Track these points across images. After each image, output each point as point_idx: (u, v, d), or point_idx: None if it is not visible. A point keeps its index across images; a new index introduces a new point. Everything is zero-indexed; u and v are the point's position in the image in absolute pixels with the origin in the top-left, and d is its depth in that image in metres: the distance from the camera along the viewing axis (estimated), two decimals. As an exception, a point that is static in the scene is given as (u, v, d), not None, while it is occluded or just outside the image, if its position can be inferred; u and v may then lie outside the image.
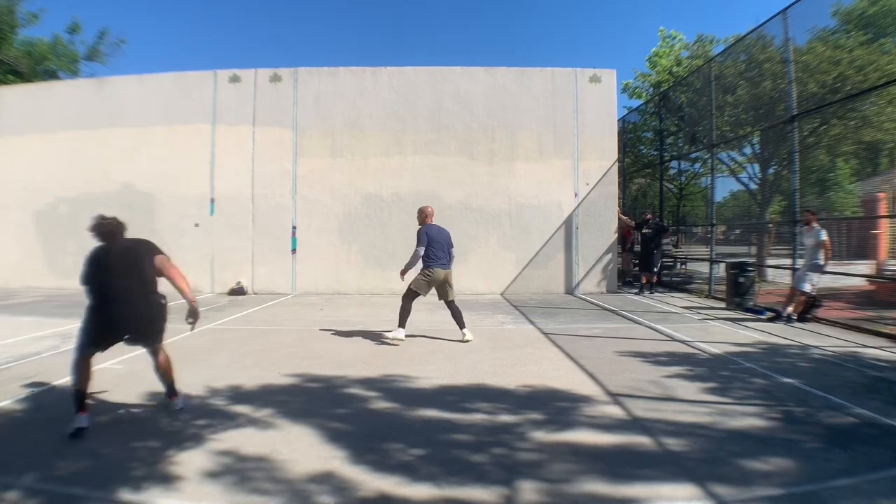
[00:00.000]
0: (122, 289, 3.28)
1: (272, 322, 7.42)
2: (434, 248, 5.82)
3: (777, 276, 10.82)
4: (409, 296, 5.88)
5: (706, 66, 11.53)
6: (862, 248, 12.57)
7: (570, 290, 10.89)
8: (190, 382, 3.97)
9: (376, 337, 6.17)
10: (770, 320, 7.27)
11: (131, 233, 3.52)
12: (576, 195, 10.96)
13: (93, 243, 3.45)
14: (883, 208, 12.76)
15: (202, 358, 5.06)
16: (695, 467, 2.70)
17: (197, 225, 10.92)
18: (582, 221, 10.94)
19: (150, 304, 3.41)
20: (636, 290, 10.85)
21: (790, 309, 7.17)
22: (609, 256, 10.98)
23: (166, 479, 2.56)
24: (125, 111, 11.26)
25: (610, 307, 8.83)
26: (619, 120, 13.58)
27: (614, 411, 3.59)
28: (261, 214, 10.98)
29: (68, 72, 18.87)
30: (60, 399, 3.80)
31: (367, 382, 4.28)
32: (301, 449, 2.94)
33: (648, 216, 11.45)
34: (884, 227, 11.82)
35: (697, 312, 8.25)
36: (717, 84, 11.05)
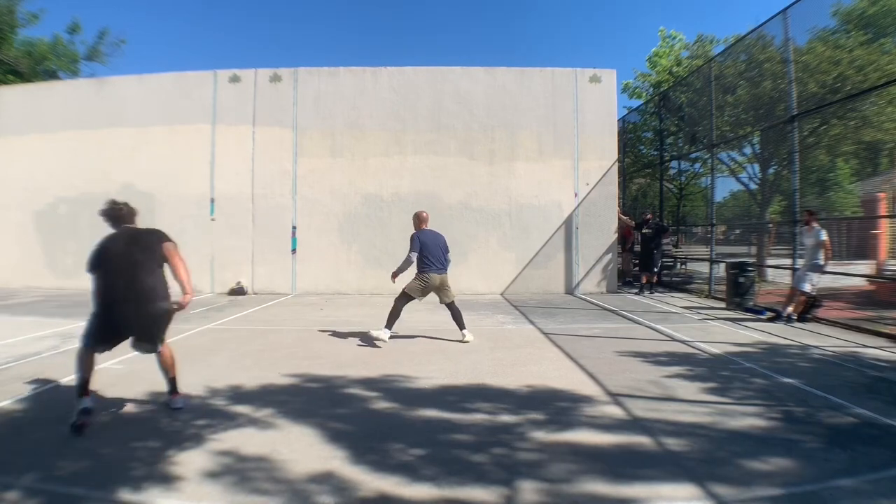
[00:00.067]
0: (128, 276, 3.31)
1: (272, 322, 7.42)
2: (428, 253, 5.77)
3: (777, 276, 10.82)
4: (403, 298, 5.83)
5: (706, 66, 11.53)
6: (862, 248, 12.57)
7: (570, 290, 10.89)
8: (190, 382, 3.97)
9: (376, 337, 6.16)
10: (770, 320, 7.27)
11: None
12: (576, 195, 10.96)
13: (93, 243, 3.47)
14: (883, 208, 12.76)
15: (202, 358, 5.06)
16: (695, 467, 2.70)
17: (213, 219, 10.92)
18: (582, 221, 10.94)
19: (157, 306, 3.40)
20: (636, 290, 10.85)
21: (790, 309, 7.17)
22: (609, 256, 10.98)
23: (166, 479, 2.56)
24: (125, 111, 11.26)
25: (610, 307, 8.83)
26: (619, 120, 13.59)
27: (614, 411, 3.59)
28: (261, 214, 10.98)
29: (68, 72, 18.87)
30: (60, 399, 3.80)
31: (368, 382, 4.28)
32: (301, 449, 2.94)
33: (648, 216, 11.45)
34: (884, 227, 11.82)
35: (697, 312, 8.26)
36: (717, 84, 11.05)
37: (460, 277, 10.81)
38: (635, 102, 19.15)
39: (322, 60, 37.97)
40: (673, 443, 3.02)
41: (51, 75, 18.02)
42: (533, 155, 11.00)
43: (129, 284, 3.31)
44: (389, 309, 5.81)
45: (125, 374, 4.44)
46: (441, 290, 5.91)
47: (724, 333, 6.49)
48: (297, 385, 4.24)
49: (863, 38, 11.39)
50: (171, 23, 63.16)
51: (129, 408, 3.61)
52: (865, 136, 12.27)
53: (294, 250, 10.94)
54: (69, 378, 4.31)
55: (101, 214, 3.51)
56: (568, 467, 2.70)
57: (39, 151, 11.43)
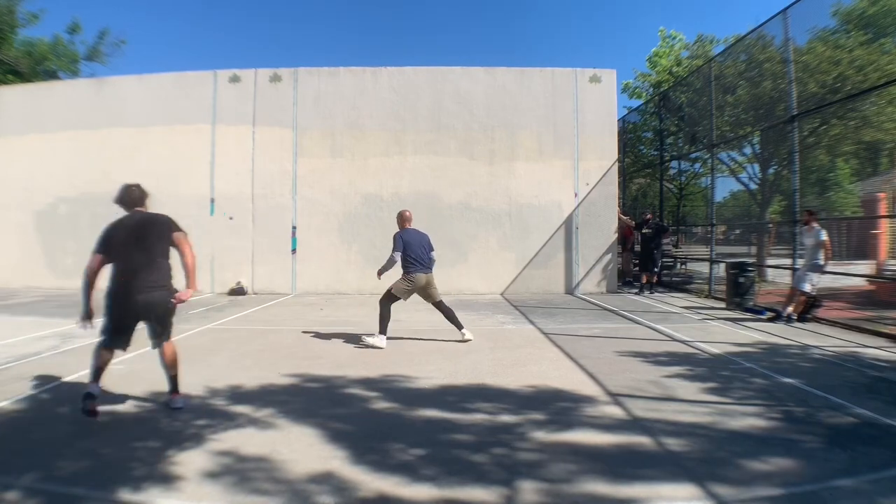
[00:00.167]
0: (135, 262, 3.36)
1: (272, 322, 7.42)
2: (411, 252, 5.71)
3: (777, 276, 10.82)
4: (388, 300, 5.76)
5: (706, 66, 11.53)
6: (862, 248, 12.56)
7: (570, 290, 10.89)
8: (190, 382, 3.97)
9: (372, 344, 6.14)
10: (770, 320, 7.27)
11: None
12: (576, 195, 10.96)
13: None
14: (883, 208, 12.76)
15: (202, 358, 5.06)
16: (695, 467, 2.70)
17: (231, 218, 10.92)
18: (582, 221, 10.94)
19: (160, 294, 3.43)
20: (636, 290, 10.85)
21: (790, 309, 7.17)
22: (609, 256, 10.98)
23: (166, 479, 2.56)
24: (125, 111, 11.26)
25: (610, 307, 8.83)
26: (619, 120, 13.59)
27: (614, 411, 3.59)
28: (261, 214, 10.98)
29: (68, 72, 18.87)
30: (60, 399, 3.80)
31: (367, 382, 4.28)
32: (301, 449, 2.94)
33: (648, 216, 11.45)
34: (884, 227, 11.82)
35: (697, 312, 8.26)
36: (717, 84, 11.05)
37: (460, 277, 10.84)
38: (635, 102, 19.17)
39: (322, 60, 37.97)
40: (673, 443, 3.02)
41: (51, 75, 18.01)
42: (533, 155, 11.00)
43: (136, 270, 3.36)
44: (378, 313, 5.74)
45: (125, 374, 4.43)
46: (427, 290, 5.85)
47: (724, 333, 6.49)
48: (297, 385, 4.24)
49: (863, 38, 11.39)
50: (171, 23, 63.21)
51: (129, 408, 3.61)
52: (865, 136, 12.27)
53: (294, 250, 10.94)
54: (69, 378, 4.32)
55: (115, 201, 3.59)
56: (568, 467, 2.70)
57: (39, 151, 11.43)
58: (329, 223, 10.95)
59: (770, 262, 12.30)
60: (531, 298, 10.00)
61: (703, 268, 11.25)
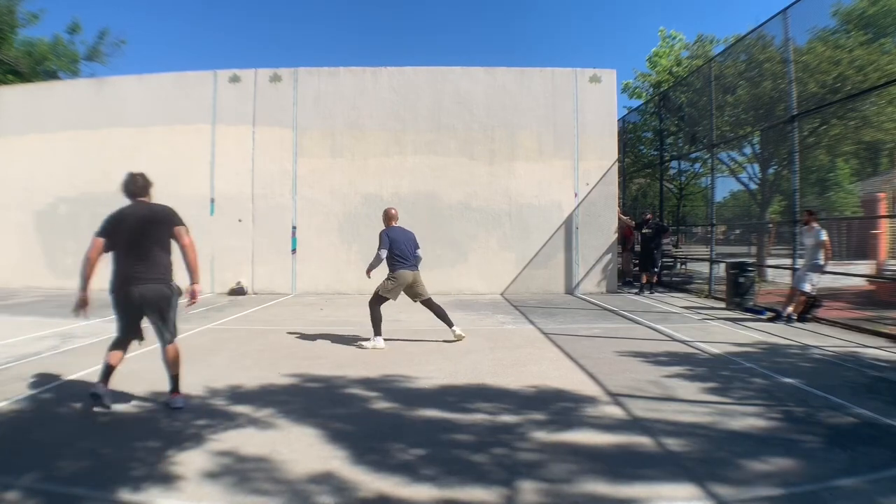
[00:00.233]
0: (135, 253, 3.40)
1: (272, 322, 7.42)
2: (397, 249, 5.70)
3: (777, 276, 10.82)
4: (377, 301, 5.74)
5: (706, 66, 11.53)
6: (862, 248, 12.56)
7: (570, 290, 10.89)
8: (190, 382, 3.96)
9: (372, 346, 6.14)
10: (770, 320, 7.27)
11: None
12: (576, 195, 10.96)
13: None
14: (883, 208, 12.76)
15: (202, 358, 5.06)
16: (695, 467, 2.70)
17: (240, 220, 10.91)
18: (582, 221, 10.94)
19: (159, 287, 3.47)
20: (636, 290, 10.85)
21: (790, 309, 7.17)
22: (609, 256, 10.98)
23: (166, 479, 2.56)
24: (125, 111, 11.26)
25: (610, 307, 8.83)
26: (619, 120, 13.59)
27: (614, 411, 3.59)
28: (261, 214, 10.98)
29: (68, 72, 18.86)
30: (60, 399, 3.80)
31: (367, 382, 4.28)
32: (301, 449, 2.94)
33: (648, 216, 11.46)
34: (884, 227, 11.82)
35: (697, 312, 8.26)
36: (717, 84, 11.05)
37: (460, 277, 10.84)
38: (635, 102, 19.17)
39: (322, 60, 37.94)
40: (673, 443, 3.02)
41: (51, 75, 18.01)
42: (533, 155, 11.00)
43: (134, 262, 3.40)
44: (370, 316, 5.72)
45: (125, 374, 4.42)
46: (413, 287, 5.84)
47: (724, 333, 6.49)
48: (297, 385, 4.24)
49: (863, 38, 11.39)
50: (171, 23, 63.17)
51: (129, 408, 3.61)
52: (865, 136, 12.27)
53: (294, 250, 10.94)
54: (69, 378, 4.32)
55: (121, 190, 3.62)
56: (568, 467, 2.70)
57: (39, 151, 11.43)
58: (329, 223, 10.94)
59: (770, 262, 12.29)
60: (531, 298, 10.00)
61: (703, 268, 11.25)
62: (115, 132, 11.17)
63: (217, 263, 10.78)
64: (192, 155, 11.00)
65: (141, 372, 4.32)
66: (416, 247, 5.94)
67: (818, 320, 7.17)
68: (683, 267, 13.30)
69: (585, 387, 4.16)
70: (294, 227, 10.96)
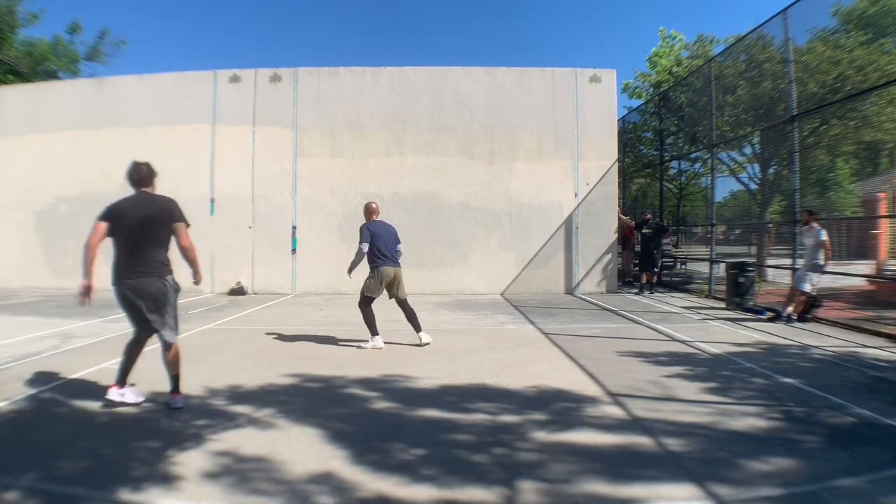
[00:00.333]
0: (135, 246, 3.43)
1: (272, 322, 7.42)
2: (379, 243, 5.59)
3: (777, 276, 10.82)
4: (365, 302, 5.69)
5: (706, 66, 11.53)
6: (862, 248, 12.56)
7: (570, 290, 10.89)
8: (190, 382, 3.96)
9: (373, 346, 6.14)
10: (770, 320, 7.27)
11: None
12: (576, 195, 10.96)
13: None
14: (883, 208, 12.75)
15: (202, 358, 5.06)
16: (695, 467, 2.70)
17: (250, 227, 10.91)
18: (582, 221, 10.93)
19: (155, 278, 3.48)
20: (636, 290, 10.85)
21: (790, 309, 7.17)
22: (609, 256, 10.98)
23: (166, 479, 2.56)
24: (125, 111, 11.26)
25: (610, 307, 8.83)
26: (619, 120, 13.59)
27: (614, 411, 3.59)
28: (261, 214, 10.98)
29: (68, 72, 18.86)
30: (60, 399, 3.80)
31: (367, 382, 4.28)
32: (301, 449, 2.94)
33: (648, 216, 11.46)
34: (884, 227, 11.82)
35: (697, 312, 8.26)
36: (717, 84, 11.05)
37: (460, 277, 10.85)
38: (635, 102, 19.17)
39: (322, 60, 37.92)
40: (673, 443, 3.02)
41: (51, 75, 18.01)
42: (533, 155, 11.00)
43: (133, 255, 3.43)
44: (362, 318, 5.70)
45: (125, 374, 4.43)
46: (394, 284, 5.73)
47: (724, 333, 6.49)
48: (297, 385, 4.24)
49: (863, 38, 11.39)
50: (171, 23, 63.17)
51: (129, 408, 3.60)
52: (865, 136, 12.26)
53: (294, 250, 10.94)
54: (69, 378, 4.32)
55: (126, 178, 3.66)
56: (568, 467, 2.70)
57: (39, 151, 11.42)
58: (329, 223, 10.94)
59: (770, 262, 12.29)
60: (531, 298, 10.00)
61: (703, 268, 11.25)
62: (115, 132, 11.16)
63: (217, 263, 10.77)
64: (192, 155, 10.99)
65: (141, 372, 4.30)
66: (398, 241, 5.84)
67: (818, 320, 7.17)
68: (683, 267, 13.30)
69: (585, 387, 4.16)
70: (294, 227, 10.96)
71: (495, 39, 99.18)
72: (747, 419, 3.40)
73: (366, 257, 5.62)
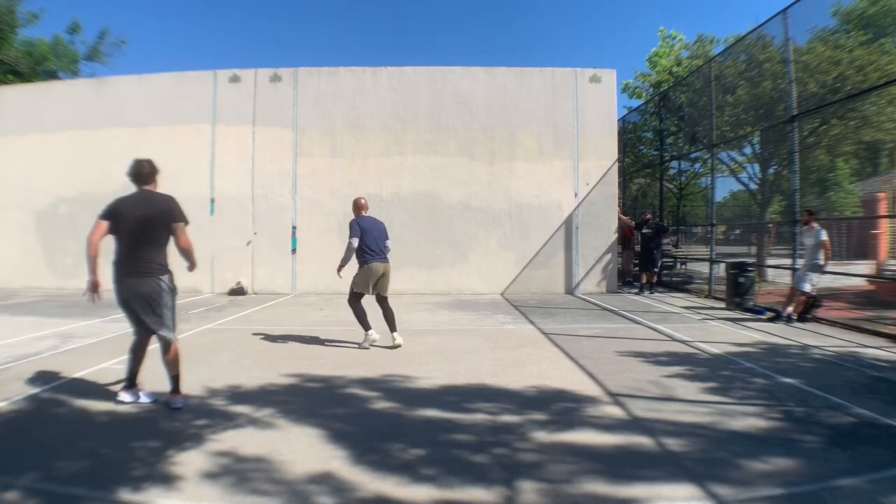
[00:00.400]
0: (134, 244, 3.44)
1: (272, 322, 7.42)
2: (368, 238, 5.56)
3: (777, 276, 10.82)
4: (354, 298, 5.68)
5: (706, 66, 11.53)
6: (862, 248, 12.56)
7: (570, 290, 10.89)
8: (190, 382, 3.96)
9: (372, 341, 6.14)
10: (770, 320, 7.27)
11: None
12: (576, 195, 10.96)
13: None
14: (883, 208, 12.75)
15: (202, 358, 5.06)
16: (695, 467, 2.70)
17: (255, 233, 10.89)
18: (582, 221, 10.93)
19: (150, 278, 3.48)
20: (636, 290, 10.85)
21: (790, 309, 7.17)
22: (609, 256, 10.98)
23: (166, 479, 2.56)
24: (125, 111, 11.25)
25: (610, 307, 8.83)
26: (619, 120, 13.58)
27: (615, 411, 3.59)
28: (261, 214, 10.98)
29: (68, 72, 18.86)
30: (60, 399, 3.80)
31: (367, 382, 4.28)
32: (301, 449, 2.94)
33: (648, 216, 11.46)
34: (884, 227, 11.82)
35: (697, 312, 8.25)
36: (717, 84, 11.05)
37: (460, 277, 10.85)
38: (635, 102, 19.16)
39: (322, 60, 37.91)
40: (673, 443, 3.02)
41: (51, 75, 18.00)
42: (533, 155, 11.00)
43: (131, 254, 3.43)
44: (353, 314, 5.69)
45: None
46: (382, 281, 5.69)
47: (724, 333, 6.49)
48: (296, 385, 4.24)
49: (863, 38, 11.39)
50: (171, 23, 63.17)
51: (129, 408, 3.60)
52: (865, 136, 12.26)
53: (294, 250, 10.94)
54: (69, 378, 4.32)
55: (127, 175, 3.67)
56: (568, 467, 2.70)
57: (39, 151, 11.42)
58: (329, 223, 10.94)
59: (770, 262, 12.29)
60: (531, 298, 10.00)
61: (703, 268, 11.25)
62: (115, 132, 11.16)
63: (217, 263, 10.78)
64: (192, 155, 10.99)
65: (141, 372, 4.31)
66: (387, 237, 5.81)
67: (818, 320, 7.17)
68: (683, 267, 13.30)
69: (586, 387, 4.16)
70: (294, 227, 10.96)
71: (495, 39, 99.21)
72: (747, 419, 3.40)
73: (355, 253, 5.59)
